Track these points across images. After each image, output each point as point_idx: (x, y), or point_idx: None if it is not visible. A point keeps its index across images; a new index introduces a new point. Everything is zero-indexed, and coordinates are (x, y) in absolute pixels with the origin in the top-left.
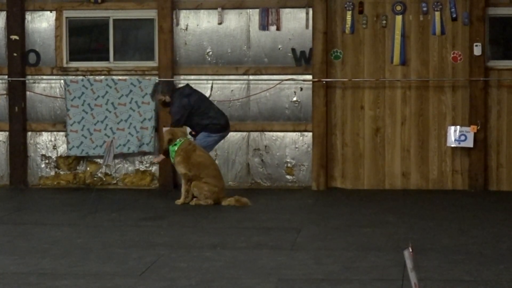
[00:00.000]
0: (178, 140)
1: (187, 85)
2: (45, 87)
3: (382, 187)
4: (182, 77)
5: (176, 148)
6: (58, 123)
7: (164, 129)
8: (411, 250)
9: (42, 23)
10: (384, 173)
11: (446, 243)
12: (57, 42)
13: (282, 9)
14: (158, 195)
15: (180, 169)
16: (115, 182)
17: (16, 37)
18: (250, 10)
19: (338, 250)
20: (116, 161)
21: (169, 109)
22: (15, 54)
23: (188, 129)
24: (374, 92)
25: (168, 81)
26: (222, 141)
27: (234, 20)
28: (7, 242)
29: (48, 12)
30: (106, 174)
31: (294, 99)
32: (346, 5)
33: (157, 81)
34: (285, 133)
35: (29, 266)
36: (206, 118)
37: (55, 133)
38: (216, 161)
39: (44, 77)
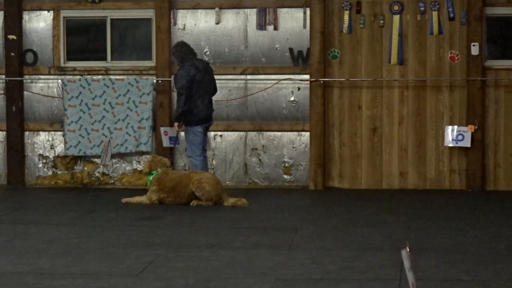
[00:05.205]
0: (155, 171)
1: (207, 61)
2: (42, 87)
3: (379, 187)
4: None
5: (151, 178)
6: (55, 122)
7: (148, 158)
8: (408, 250)
9: (39, 23)
10: (381, 172)
11: (444, 242)
12: (55, 41)
13: (280, 9)
14: None
15: (151, 195)
16: (112, 182)
17: (14, 37)
18: (248, 9)
19: (336, 250)
20: (114, 160)
21: (175, 73)
22: (12, 54)
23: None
24: (371, 91)
25: (184, 44)
26: (220, 141)
27: (232, 19)
28: (5, 242)
29: (46, 11)
30: (103, 174)
31: (292, 98)
32: (343, 5)
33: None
34: (283, 132)
35: (26, 265)
36: (193, 107)
37: (52, 132)
38: (213, 161)
39: (42, 76)
